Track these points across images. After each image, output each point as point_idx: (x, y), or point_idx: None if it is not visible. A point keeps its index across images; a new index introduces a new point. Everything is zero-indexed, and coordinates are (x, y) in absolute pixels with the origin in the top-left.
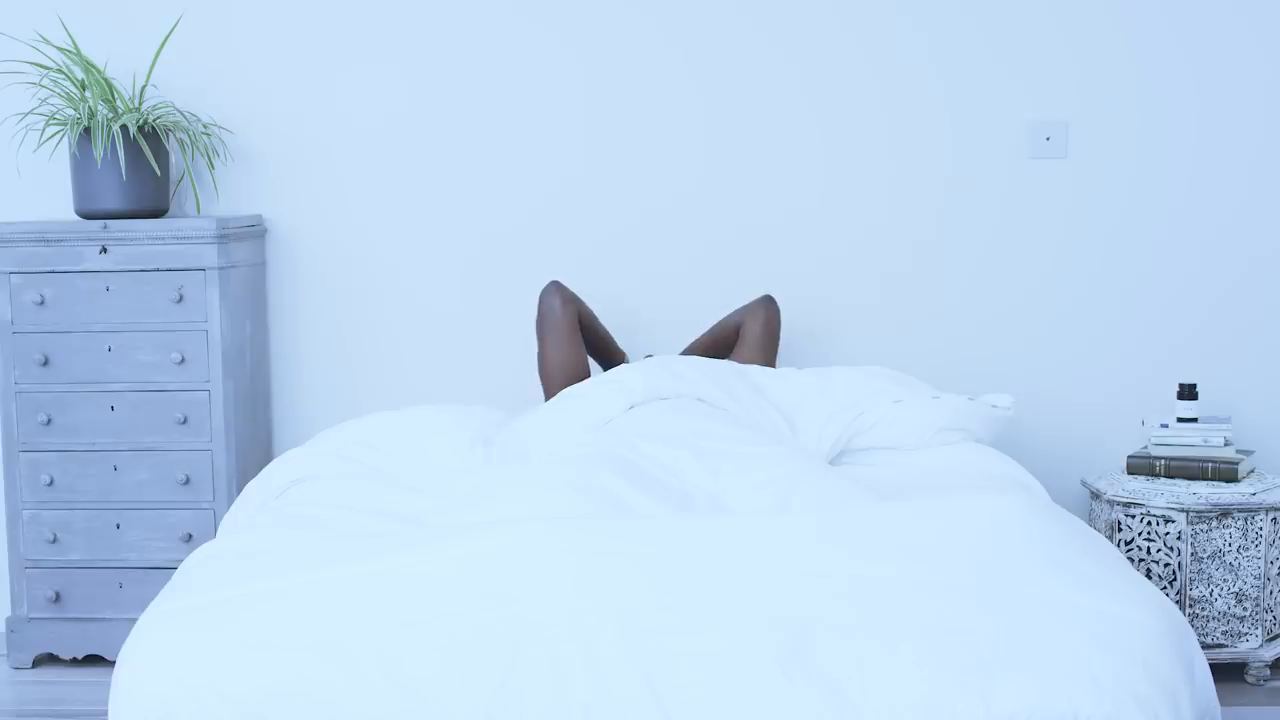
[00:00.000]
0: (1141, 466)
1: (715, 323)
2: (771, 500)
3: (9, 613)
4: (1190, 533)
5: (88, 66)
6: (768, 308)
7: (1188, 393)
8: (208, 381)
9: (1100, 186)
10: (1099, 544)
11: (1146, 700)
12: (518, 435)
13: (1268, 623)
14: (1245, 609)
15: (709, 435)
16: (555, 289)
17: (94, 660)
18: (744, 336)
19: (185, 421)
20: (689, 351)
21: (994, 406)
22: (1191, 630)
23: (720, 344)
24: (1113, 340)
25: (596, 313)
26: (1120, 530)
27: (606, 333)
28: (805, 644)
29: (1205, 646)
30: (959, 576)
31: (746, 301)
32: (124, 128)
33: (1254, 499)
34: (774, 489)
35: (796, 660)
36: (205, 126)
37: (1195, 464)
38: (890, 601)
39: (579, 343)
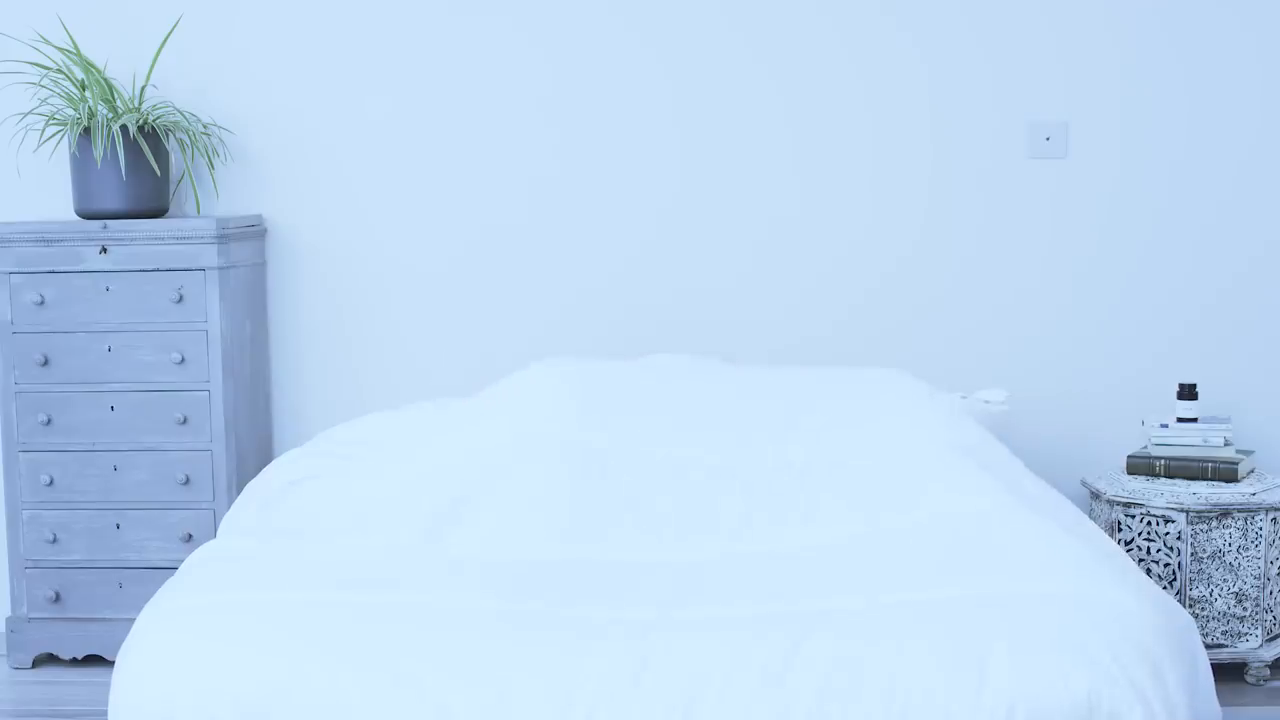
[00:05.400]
0: (1141, 466)
1: None
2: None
3: (9, 613)
4: (1190, 533)
5: (88, 66)
6: None
7: (1188, 392)
8: (208, 381)
9: (1100, 187)
10: (1091, 531)
11: (1139, 684)
12: None
13: (1268, 623)
14: (1245, 609)
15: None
16: None
17: (94, 660)
18: None
19: (185, 421)
20: None
21: (986, 402)
22: (1184, 613)
23: None
24: (1113, 339)
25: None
26: (1120, 530)
27: None
28: (801, 634)
29: (1205, 647)
30: (952, 563)
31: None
32: (124, 128)
33: (1254, 499)
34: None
35: (792, 650)
36: (205, 126)
37: (1195, 464)
38: (883, 589)
39: None
